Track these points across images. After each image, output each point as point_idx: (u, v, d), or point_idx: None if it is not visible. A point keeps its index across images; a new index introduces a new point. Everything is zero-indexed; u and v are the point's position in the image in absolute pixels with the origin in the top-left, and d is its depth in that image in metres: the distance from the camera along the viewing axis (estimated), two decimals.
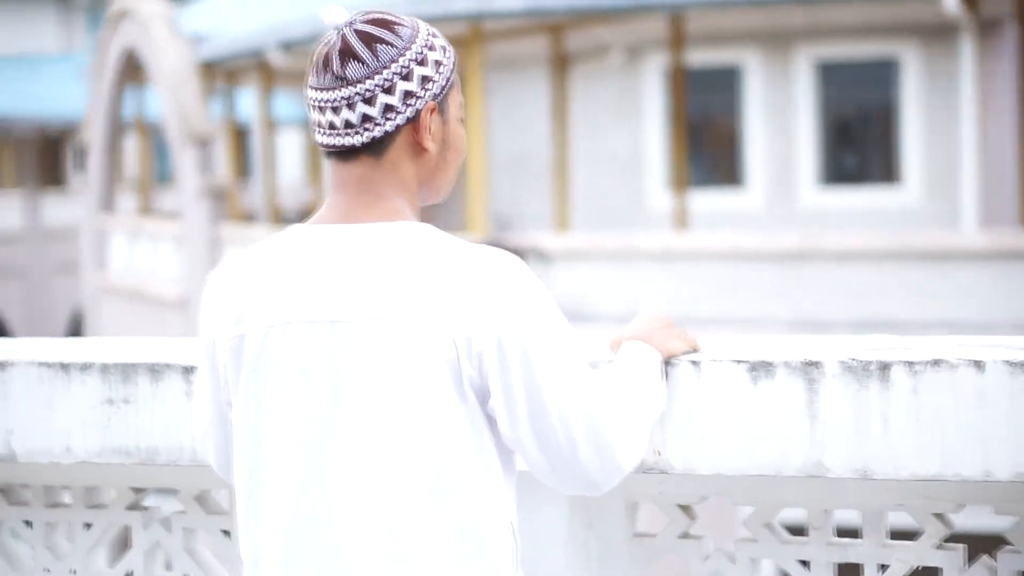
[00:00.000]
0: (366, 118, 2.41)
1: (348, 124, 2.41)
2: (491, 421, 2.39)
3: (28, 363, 2.99)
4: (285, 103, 35.82)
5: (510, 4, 14.73)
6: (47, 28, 42.77)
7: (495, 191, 22.65)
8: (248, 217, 21.40)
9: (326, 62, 2.43)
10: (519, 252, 14.83)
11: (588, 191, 21.02)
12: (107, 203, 22.88)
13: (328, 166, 2.50)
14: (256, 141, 19.54)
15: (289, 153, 42.64)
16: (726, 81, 19.90)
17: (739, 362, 2.67)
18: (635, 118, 20.90)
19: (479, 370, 2.34)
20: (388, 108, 2.41)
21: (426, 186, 2.50)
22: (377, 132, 2.42)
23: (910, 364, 2.58)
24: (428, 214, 2.44)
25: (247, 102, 25.32)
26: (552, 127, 17.62)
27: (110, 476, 3.09)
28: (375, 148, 2.43)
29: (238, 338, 2.41)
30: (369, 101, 2.40)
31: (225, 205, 19.25)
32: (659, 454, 2.72)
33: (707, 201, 19.54)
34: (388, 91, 2.40)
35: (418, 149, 2.46)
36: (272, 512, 2.39)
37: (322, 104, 2.43)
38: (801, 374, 2.63)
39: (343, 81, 2.41)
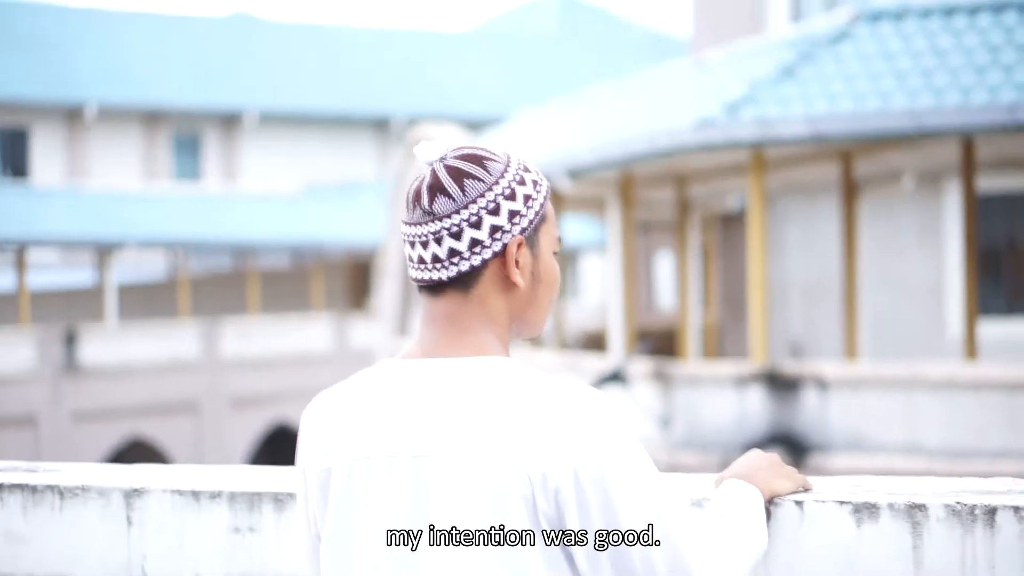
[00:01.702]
0: (453, 252, 2.42)
1: (436, 259, 2.43)
2: (571, 559, 2.36)
3: (162, 491, 3.08)
4: (585, 229, 36.23)
5: (793, 131, 14.64)
6: (366, 154, 44.32)
7: (790, 317, 22.42)
8: (536, 341, 21.60)
9: (417, 197, 2.46)
10: (796, 380, 14.62)
11: (882, 318, 20.64)
12: (402, 327, 23.41)
13: (422, 301, 2.52)
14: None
15: (593, 277, 43.05)
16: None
17: (843, 503, 2.59)
18: (934, 244, 20.48)
19: (555, 506, 2.32)
20: (475, 242, 2.42)
21: (518, 321, 2.50)
22: (464, 266, 2.43)
23: (1016, 509, 2.46)
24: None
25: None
26: (842, 253, 17.40)
27: None
28: (463, 282, 2.44)
29: (325, 471, 2.44)
30: (456, 236, 2.42)
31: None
32: None
33: (1004, 330, 18.94)
34: (475, 225, 2.42)
35: (507, 284, 2.46)
36: None
37: (413, 239, 2.46)
38: (906, 517, 2.54)
39: (432, 216, 2.43)
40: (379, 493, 2.38)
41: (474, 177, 2.44)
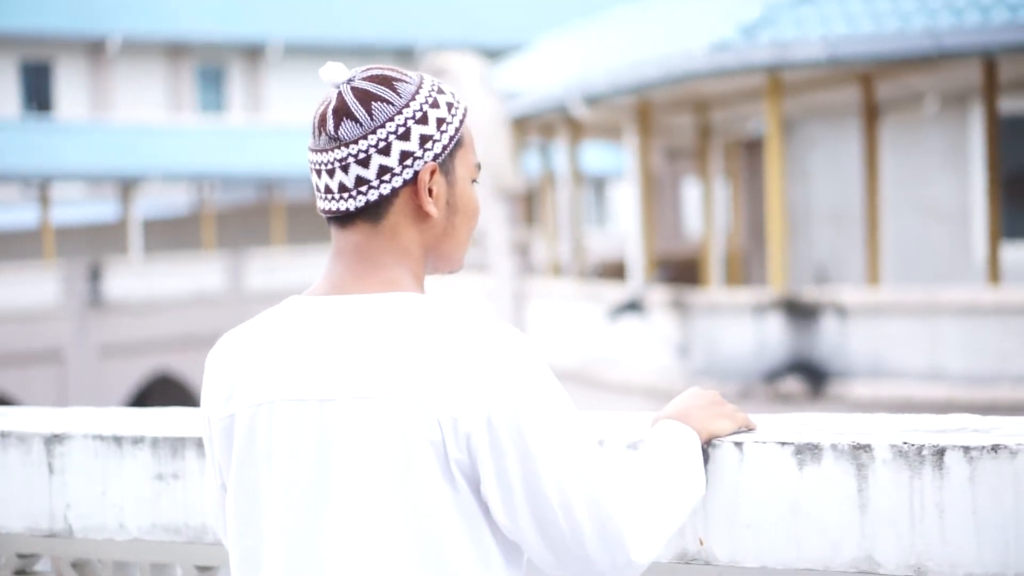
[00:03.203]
0: (361, 180, 2.27)
1: (343, 188, 2.28)
2: (487, 509, 2.20)
3: (83, 436, 2.94)
4: (612, 157, 35.99)
5: (810, 54, 14.37)
6: None
7: (816, 243, 22.21)
8: (558, 271, 21.45)
9: (322, 121, 2.30)
10: (815, 307, 14.44)
11: (907, 243, 20.41)
12: None
13: (334, 233, 2.36)
14: (563, 194, 19.59)
15: (628, 205, 42.81)
16: None
17: (784, 444, 2.43)
18: (959, 167, 20.21)
19: (468, 453, 2.17)
20: (384, 170, 2.26)
21: (434, 253, 2.34)
22: (372, 196, 2.27)
23: (966, 449, 2.30)
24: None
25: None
26: (865, 178, 17.14)
27: (173, 553, 3.01)
28: (372, 213, 2.28)
29: (228, 418, 2.30)
30: (363, 163, 2.26)
31: (529, 259, 19.34)
32: (702, 543, 2.49)
33: None
34: (384, 151, 2.26)
35: (420, 214, 2.30)
36: None
37: (319, 166, 2.31)
38: (850, 459, 2.38)
39: (337, 142, 2.27)
40: (283, 440, 2.24)
41: (382, 100, 2.28)
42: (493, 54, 36.83)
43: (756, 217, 24.35)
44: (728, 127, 23.24)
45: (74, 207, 37.83)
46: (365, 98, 2.28)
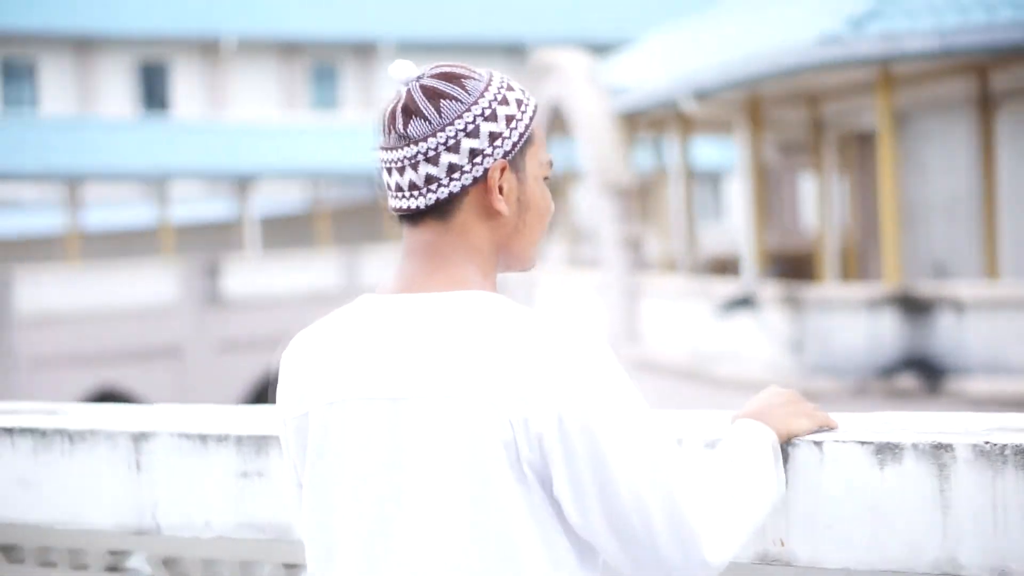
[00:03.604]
0: (430, 179, 2.25)
1: (413, 186, 2.27)
2: (559, 509, 2.18)
3: (169, 434, 2.95)
4: (729, 152, 35.76)
5: (922, 45, 14.17)
6: None
7: (931, 237, 21.91)
8: (670, 266, 21.36)
9: (391, 120, 2.29)
10: (931, 302, 14.24)
11: None
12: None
13: (405, 232, 2.35)
14: (675, 189, 19.51)
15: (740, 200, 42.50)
16: None
17: (864, 444, 2.38)
18: None
19: (540, 454, 2.15)
20: (453, 167, 2.25)
21: (505, 251, 2.32)
22: (442, 193, 2.26)
23: None
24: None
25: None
26: (980, 170, 16.89)
27: (259, 551, 3.02)
28: (442, 211, 2.27)
29: (302, 416, 2.30)
30: (433, 160, 2.25)
31: (641, 254, 19.27)
32: (783, 544, 2.45)
33: None
34: (452, 149, 2.24)
35: (490, 211, 2.28)
36: None
37: (389, 165, 2.30)
38: (931, 458, 2.33)
39: (406, 140, 2.26)
40: (355, 438, 2.23)
41: (451, 97, 2.26)
42: (602, 49, 36.74)
43: (871, 211, 24.07)
44: (841, 120, 22.99)
45: (192, 205, 38.28)
46: (434, 95, 2.26)
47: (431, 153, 2.25)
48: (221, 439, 2.90)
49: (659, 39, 24.08)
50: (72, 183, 32.29)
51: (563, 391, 2.13)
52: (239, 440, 2.88)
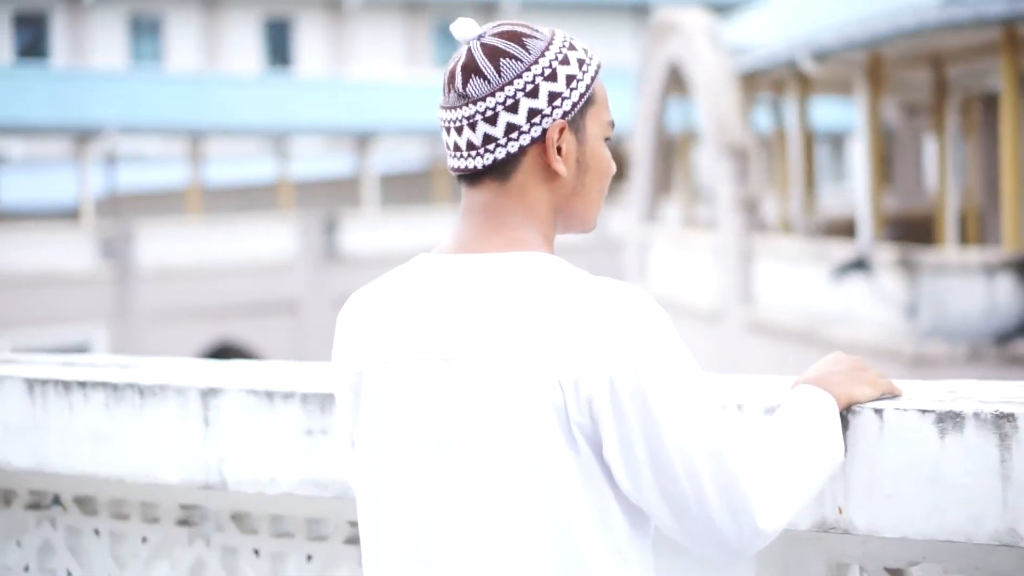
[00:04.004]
0: (488, 138, 2.24)
1: (471, 145, 2.26)
2: (610, 473, 2.17)
3: (237, 390, 2.98)
4: (853, 113, 35.30)
5: None
6: (624, 40, 43.96)
7: None
8: (788, 228, 21.16)
9: (451, 79, 2.29)
10: None
11: None
12: (651, 214, 23.20)
13: (464, 192, 2.34)
14: (793, 151, 19.30)
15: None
16: None
17: (925, 412, 2.34)
18: None
19: (589, 416, 2.13)
20: (511, 127, 2.23)
21: (564, 213, 2.31)
22: (500, 154, 2.25)
23: None
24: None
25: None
26: None
27: (323, 508, 3.04)
28: (500, 171, 2.26)
29: (357, 375, 2.31)
30: (491, 120, 2.24)
31: (758, 216, 19.11)
32: (841, 512, 2.42)
33: None
34: (512, 109, 2.23)
35: (549, 172, 2.27)
36: (390, 557, 2.27)
37: (448, 124, 2.30)
38: (992, 428, 2.29)
39: (465, 99, 2.26)
40: (407, 397, 2.23)
41: (511, 56, 2.25)
42: (726, 9, 36.42)
43: (993, 175, 23.67)
44: (965, 82, 22.61)
45: (311, 161, 38.56)
46: (494, 54, 2.25)
47: (489, 113, 2.24)
48: (287, 396, 2.91)
49: None
50: (195, 138, 32.66)
51: (614, 353, 2.11)
52: (304, 398, 2.90)
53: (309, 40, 41.78)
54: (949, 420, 2.32)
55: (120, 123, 30.98)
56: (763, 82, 21.01)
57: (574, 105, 2.26)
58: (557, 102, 2.24)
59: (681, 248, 21.33)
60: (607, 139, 2.34)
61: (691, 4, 30.09)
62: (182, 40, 40.62)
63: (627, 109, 27.39)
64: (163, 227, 30.11)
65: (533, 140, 2.24)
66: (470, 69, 2.26)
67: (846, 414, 2.39)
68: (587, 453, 2.15)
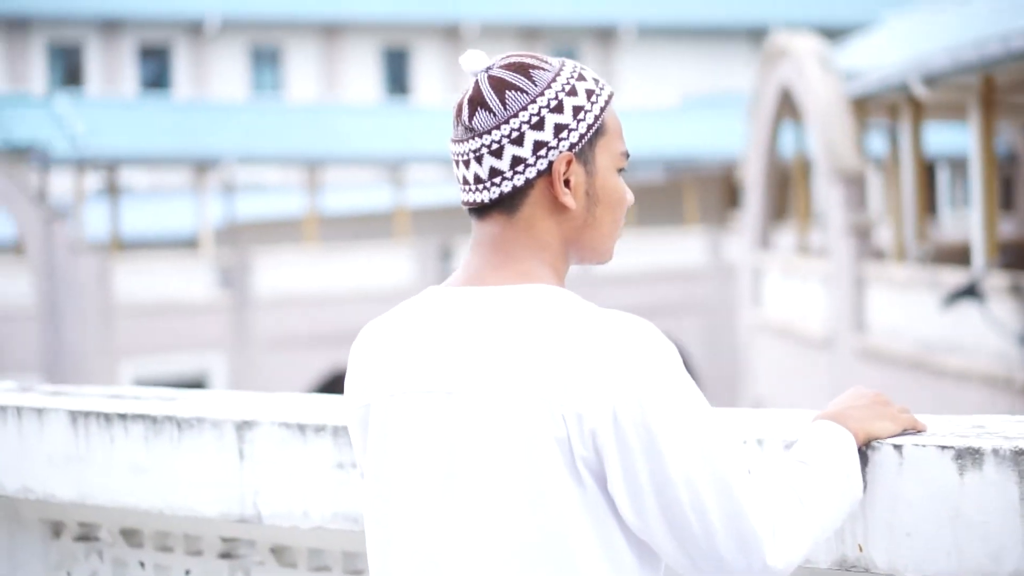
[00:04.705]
0: (495, 172, 2.24)
1: (478, 179, 2.26)
2: (615, 508, 2.15)
3: (271, 423, 2.98)
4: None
5: None
6: (741, 65, 43.78)
7: None
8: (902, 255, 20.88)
9: (459, 112, 2.29)
10: None
11: None
12: (764, 240, 23.02)
13: (474, 225, 2.34)
14: (906, 176, 19.05)
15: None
16: None
17: (944, 448, 2.29)
18: None
19: (594, 450, 2.12)
20: (517, 160, 2.23)
21: (576, 245, 2.29)
22: (506, 187, 2.24)
23: None
24: None
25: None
26: None
27: (354, 542, 3.03)
28: (507, 204, 2.25)
29: (365, 408, 2.31)
30: (497, 153, 2.23)
31: (870, 242, 18.88)
32: (861, 549, 2.38)
33: None
34: (517, 142, 2.22)
35: (557, 205, 2.26)
36: None
37: (457, 157, 2.30)
38: (1011, 465, 2.23)
39: (472, 132, 2.26)
40: (413, 431, 2.23)
41: (517, 88, 2.24)
42: (838, 33, 36.14)
43: None
44: None
45: (427, 189, 38.76)
46: (500, 87, 2.24)
47: (495, 146, 2.23)
48: (319, 429, 2.92)
49: (895, 22, 23.56)
50: (313, 167, 32.98)
51: (618, 386, 2.09)
52: (335, 431, 2.90)
53: (427, 68, 42.05)
54: (968, 457, 2.27)
55: (239, 153, 31.33)
56: (876, 107, 20.77)
57: (582, 137, 2.25)
58: (563, 134, 2.23)
59: (793, 275, 21.13)
60: (621, 170, 2.32)
61: (810, 27, 29.89)
62: (301, 70, 41.07)
63: (742, 135, 27.25)
64: (281, 255, 30.39)
65: (540, 173, 2.23)
66: (476, 102, 2.25)
67: (865, 450, 2.35)
68: (591, 487, 2.14)
